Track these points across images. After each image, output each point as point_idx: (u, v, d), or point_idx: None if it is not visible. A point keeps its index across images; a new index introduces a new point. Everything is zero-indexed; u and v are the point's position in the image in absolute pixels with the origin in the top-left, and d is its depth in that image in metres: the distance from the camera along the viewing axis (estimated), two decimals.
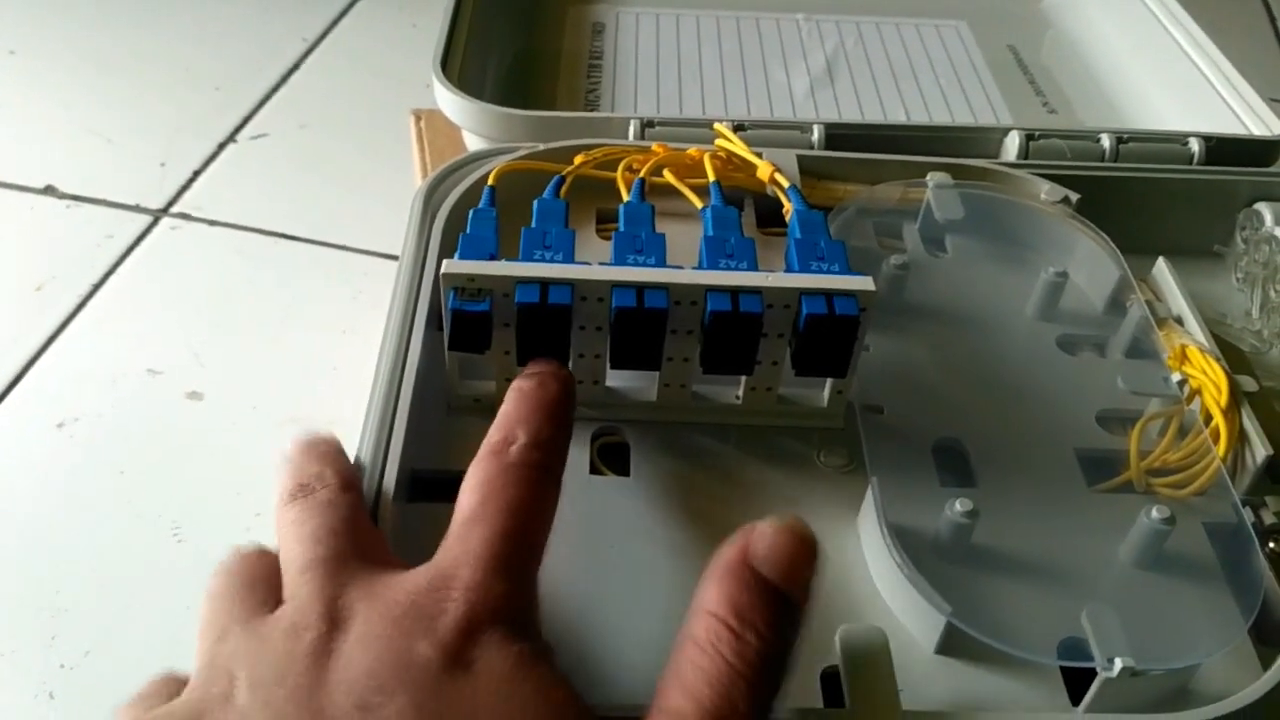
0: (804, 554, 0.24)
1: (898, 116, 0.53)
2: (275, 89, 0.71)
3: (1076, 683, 0.28)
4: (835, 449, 0.34)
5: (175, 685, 0.25)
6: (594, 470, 0.33)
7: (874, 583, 0.30)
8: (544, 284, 0.30)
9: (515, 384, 0.29)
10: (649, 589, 0.30)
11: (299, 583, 0.25)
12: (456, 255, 0.31)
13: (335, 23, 0.79)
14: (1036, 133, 0.44)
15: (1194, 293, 0.41)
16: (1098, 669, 0.27)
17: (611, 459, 0.33)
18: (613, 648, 0.29)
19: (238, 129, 0.67)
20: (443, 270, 0.30)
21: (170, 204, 0.61)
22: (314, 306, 0.56)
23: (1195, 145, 0.44)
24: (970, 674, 0.29)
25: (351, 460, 0.30)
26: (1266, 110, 0.47)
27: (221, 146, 0.66)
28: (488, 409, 0.33)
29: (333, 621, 0.24)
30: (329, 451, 0.29)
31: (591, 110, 0.53)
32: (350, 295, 0.56)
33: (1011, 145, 0.44)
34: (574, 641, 0.29)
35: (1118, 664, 0.27)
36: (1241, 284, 0.43)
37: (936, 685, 0.28)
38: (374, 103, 0.69)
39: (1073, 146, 0.44)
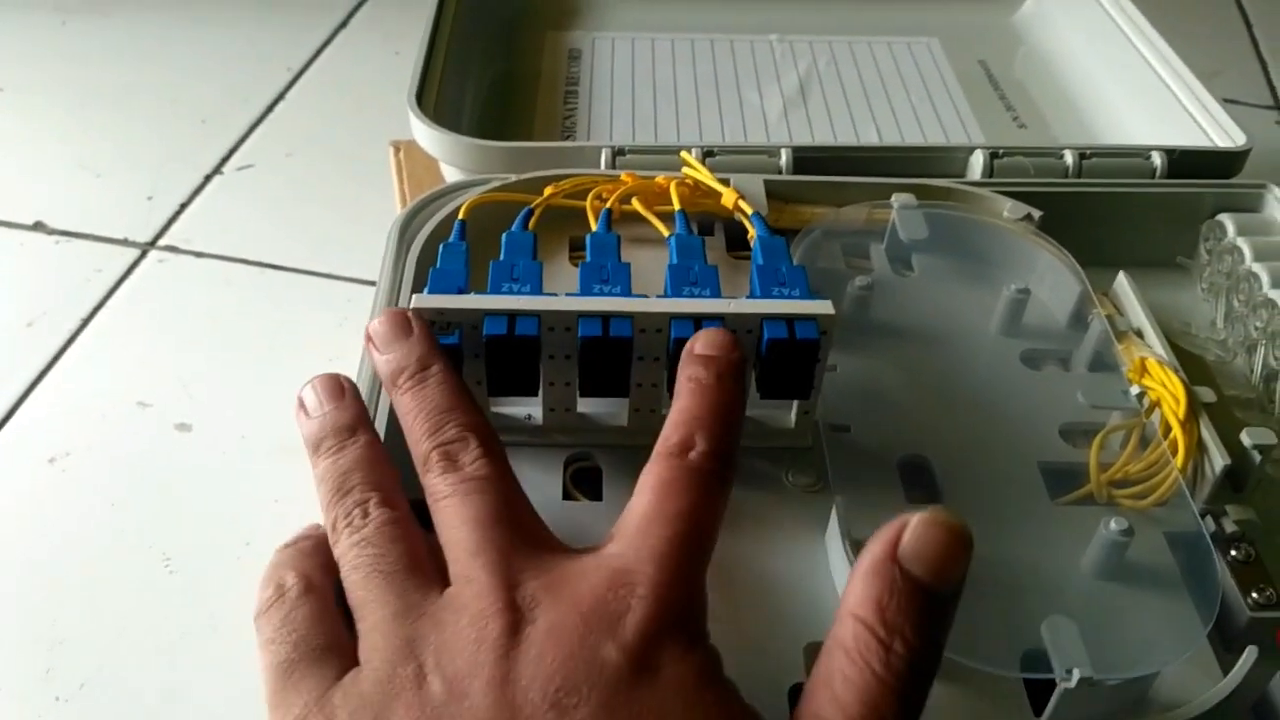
0: (956, 549, 0.23)
1: (869, 135, 0.54)
2: (261, 119, 0.72)
3: (1039, 694, 0.29)
4: (803, 468, 0.34)
5: (336, 645, 0.25)
6: (566, 496, 0.34)
7: (839, 598, 0.31)
8: (511, 315, 0.31)
9: (693, 374, 0.29)
10: None
11: (472, 566, 0.25)
12: (426, 289, 0.32)
13: (319, 52, 0.80)
14: (1000, 151, 0.44)
15: (1160, 303, 0.42)
16: (1056, 679, 0.28)
17: (584, 484, 0.34)
18: None
19: (224, 160, 0.68)
20: (412, 305, 0.31)
21: (158, 237, 0.62)
22: (301, 335, 0.56)
23: (1158, 159, 0.45)
24: (934, 687, 0.29)
25: None
26: (1230, 122, 0.48)
27: (208, 178, 0.66)
28: None
29: (517, 611, 0.24)
30: (474, 422, 0.29)
31: (569, 136, 0.54)
32: (336, 322, 0.57)
33: (976, 164, 0.45)
34: None
35: (1075, 674, 0.27)
36: (1206, 294, 0.44)
37: None
38: (358, 131, 0.70)
39: (1036, 164, 0.44)
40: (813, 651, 0.29)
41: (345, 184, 0.66)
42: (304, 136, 0.71)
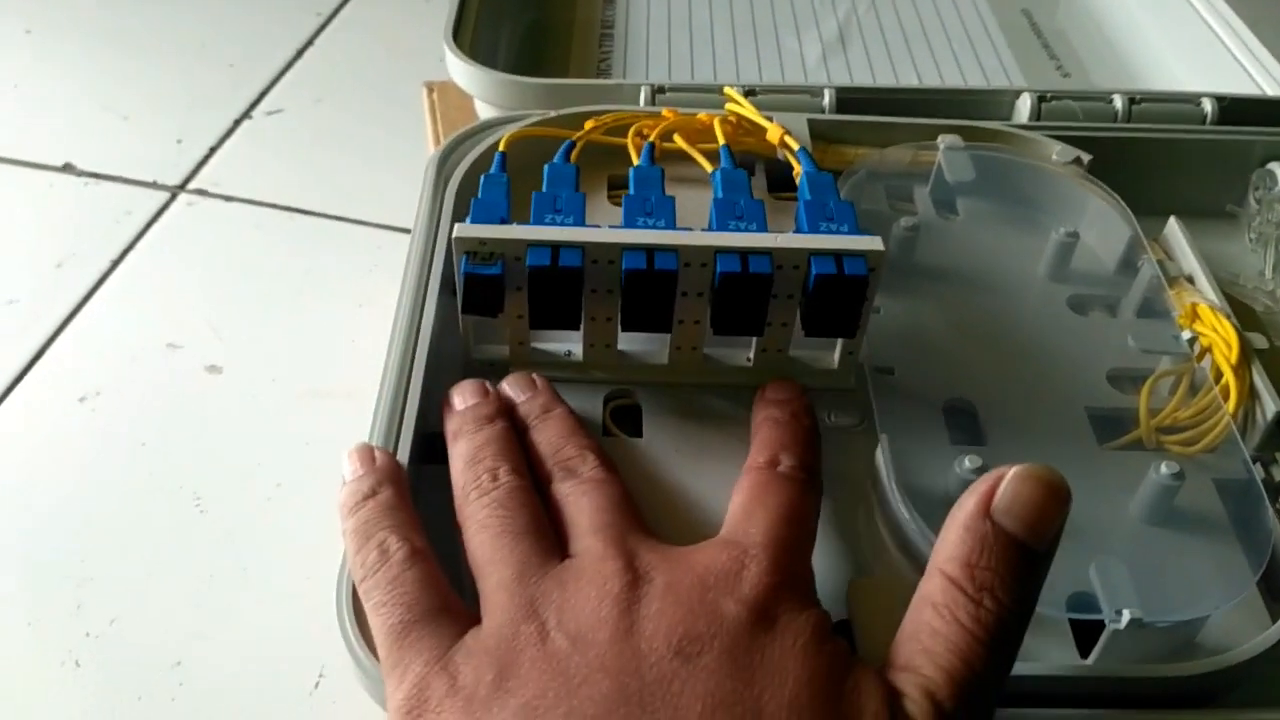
0: (1051, 504, 0.23)
1: (910, 81, 0.53)
2: (290, 65, 0.71)
3: (1085, 636, 0.29)
4: (846, 409, 0.34)
5: (450, 607, 0.26)
6: (606, 432, 0.33)
7: (885, 539, 0.31)
8: (555, 247, 0.30)
9: (768, 414, 0.32)
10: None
11: (591, 540, 0.26)
12: (469, 220, 0.31)
13: None
14: (1049, 94, 0.43)
15: (1207, 253, 0.41)
16: (1105, 621, 0.27)
17: (624, 421, 0.34)
18: None
19: (253, 105, 0.67)
20: (455, 234, 0.30)
21: (187, 180, 0.62)
22: (331, 280, 0.56)
23: (1208, 105, 0.44)
24: None
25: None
26: None
27: (237, 123, 0.66)
28: (503, 372, 0.33)
29: (636, 573, 0.25)
30: (590, 443, 0.30)
31: (604, 79, 0.53)
32: (367, 268, 0.57)
33: (1023, 107, 0.44)
34: None
35: (1125, 616, 0.27)
36: (1255, 244, 0.43)
37: None
38: (388, 76, 0.69)
39: (1085, 108, 0.43)
40: (857, 588, 0.29)
41: (374, 129, 0.65)
42: (333, 82, 0.70)
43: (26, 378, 0.50)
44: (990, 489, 0.23)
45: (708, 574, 0.25)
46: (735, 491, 0.29)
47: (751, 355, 0.34)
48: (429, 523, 0.29)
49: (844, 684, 0.23)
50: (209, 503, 0.45)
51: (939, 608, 0.23)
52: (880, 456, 0.31)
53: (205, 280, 0.56)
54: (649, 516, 0.31)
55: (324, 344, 0.52)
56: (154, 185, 0.61)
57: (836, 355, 0.34)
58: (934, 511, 0.30)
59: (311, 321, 0.54)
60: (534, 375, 0.32)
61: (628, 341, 0.34)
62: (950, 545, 0.23)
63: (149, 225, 0.58)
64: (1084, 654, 0.28)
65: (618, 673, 0.23)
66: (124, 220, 0.58)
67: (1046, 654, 0.28)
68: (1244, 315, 0.39)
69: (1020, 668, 0.28)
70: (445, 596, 0.26)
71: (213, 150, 0.64)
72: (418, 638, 0.25)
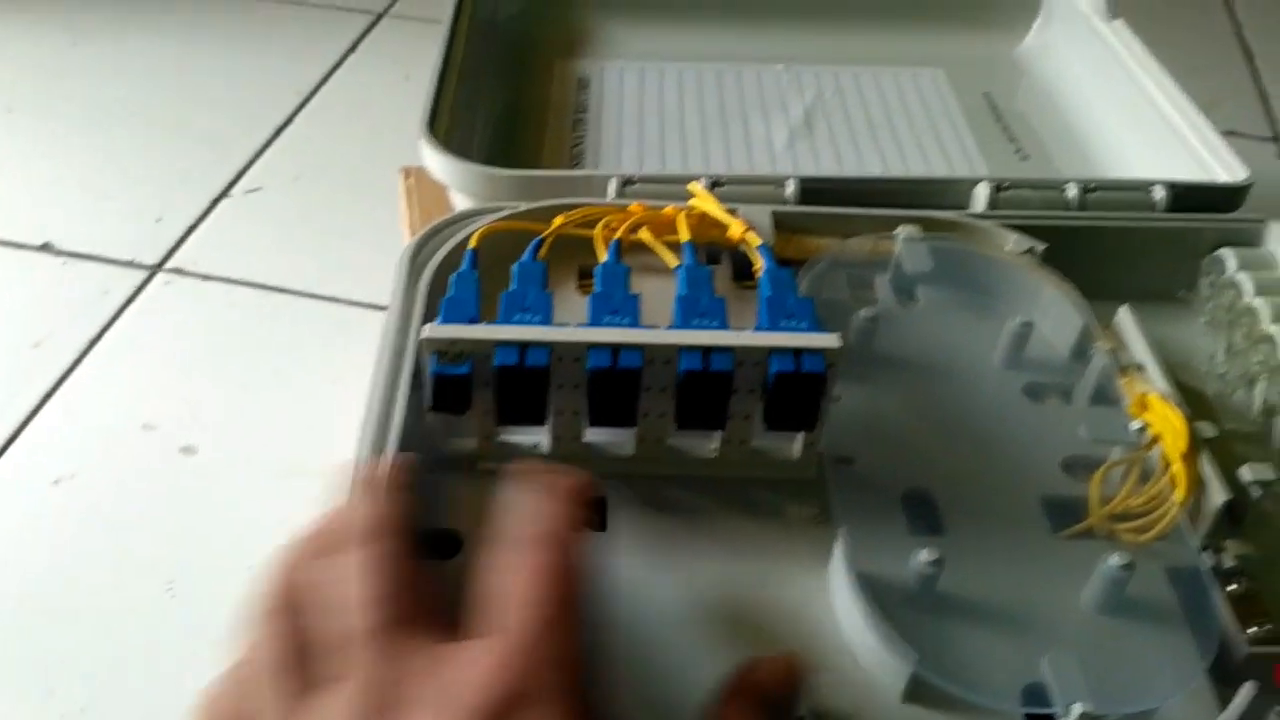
0: (796, 680, 0.29)
1: (874, 165, 0.55)
2: (269, 142, 0.73)
3: None
4: (807, 500, 0.35)
5: None
6: None
7: (842, 632, 0.31)
8: (523, 346, 0.31)
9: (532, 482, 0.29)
10: (624, 642, 0.31)
11: (363, 653, 0.25)
12: (439, 319, 0.32)
13: (329, 75, 0.80)
14: (1005, 183, 0.45)
15: (1161, 337, 0.43)
16: (1057, 715, 0.28)
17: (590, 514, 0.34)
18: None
19: (232, 183, 0.69)
20: (424, 335, 0.31)
21: (165, 259, 0.62)
22: (307, 358, 0.57)
23: (1160, 193, 0.46)
24: None
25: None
26: (1232, 157, 0.48)
27: (216, 201, 0.67)
28: (471, 467, 0.34)
29: (395, 703, 0.24)
30: (391, 493, 0.29)
31: (577, 165, 0.54)
32: (343, 346, 0.57)
33: (980, 196, 0.45)
34: None
35: (1076, 710, 0.28)
36: (1208, 328, 0.45)
37: None
38: (367, 155, 0.70)
39: (1040, 196, 0.45)
40: (812, 687, 0.29)
41: (353, 208, 0.66)
42: (312, 160, 0.71)
43: (1, 460, 0.50)
44: (752, 669, 0.29)
45: (461, 691, 0.24)
46: (492, 563, 0.27)
47: (716, 447, 0.35)
48: None
49: None
50: (181, 585, 0.45)
51: None
52: (838, 549, 0.32)
53: (181, 360, 0.56)
54: (615, 614, 0.31)
55: (300, 423, 0.53)
56: (132, 264, 0.62)
57: (798, 446, 0.35)
58: (892, 604, 0.31)
59: (287, 400, 0.54)
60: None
61: (595, 433, 0.34)
62: (722, 710, 0.28)
63: (126, 304, 0.59)
64: None
65: None
66: (102, 300, 0.59)
67: None
68: (1195, 402, 0.40)
69: None
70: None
71: (191, 229, 0.65)
72: None
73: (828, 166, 0.54)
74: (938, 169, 0.55)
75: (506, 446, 0.34)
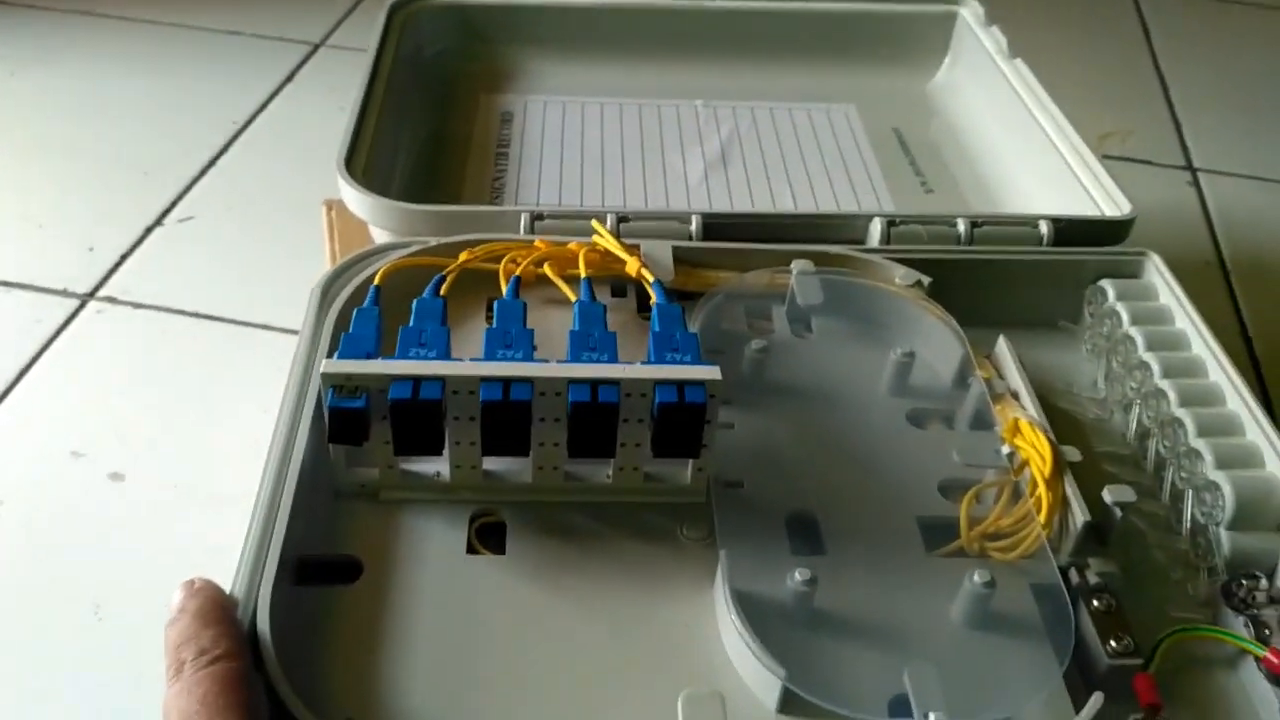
0: None
1: (785, 198, 0.57)
2: (203, 172, 0.74)
3: None
4: (697, 523, 0.37)
5: None
6: (471, 550, 0.35)
7: (725, 648, 0.33)
8: (416, 380, 0.33)
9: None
10: (521, 662, 0.32)
11: None
12: (337, 354, 0.34)
13: (265, 105, 0.82)
14: (898, 219, 0.47)
15: (1047, 363, 0.45)
16: None
17: (490, 538, 0.36)
18: (494, 711, 0.31)
19: (165, 212, 0.70)
20: (321, 370, 0.32)
21: (97, 287, 0.63)
22: (236, 386, 0.58)
23: (1045, 228, 0.48)
24: None
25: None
26: (1118, 192, 0.51)
27: (149, 230, 0.68)
28: (372, 495, 0.36)
29: None
30: (195, 622, 0.31)
31: (498, 198, 0.56)
32: (272, 374, 0.58)
33: (875, 231, 0.47)
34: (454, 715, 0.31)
35: (932, 718, 0.29)
36: (1090, 355, 0.47)
37: None
38: (300, 185, 0.72)
39: (931, 231, 0.47)
40: (691, 700, 0.31)
41: (284, 237, 0.67)
42: (246, 189, 0.73)
43: None
44: None
45: None
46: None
47: (610, 473, 0.37)
48: (297, 643, 0.31)
49: None
50: (108, 610, 0.46)
51: None
52: (719, 568, 0.34)
53: (112, 387, 0.57)
54: (514, 634, 0.33)
55: (228, 449, 0.54)
56: (64, 293, 0.63)
57: (688, 472, 0.37)
58: (768, 621, 0.33)
59: (215, 427, 0.55)
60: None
61: (495, 461, 0.36)
62: None
63: (58, 333, 0.60)
64: None
65: None
66: (33, 329, 0.60)
67: None
68: (1068, 427, 0.42)
69: None
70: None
71: (124, 257, 0.66)
72: None
73: (740, 200, 0.57)
74: (845, 203, 0.57)
75: (407, 475, 0.36)
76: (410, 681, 0.32)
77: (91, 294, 0.63)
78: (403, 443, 0.33)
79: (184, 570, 0.47)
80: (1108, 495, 0.37)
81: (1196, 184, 0.84)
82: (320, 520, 0.35)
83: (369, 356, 0.34)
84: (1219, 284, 0.74)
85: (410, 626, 0.33)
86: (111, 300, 0.63)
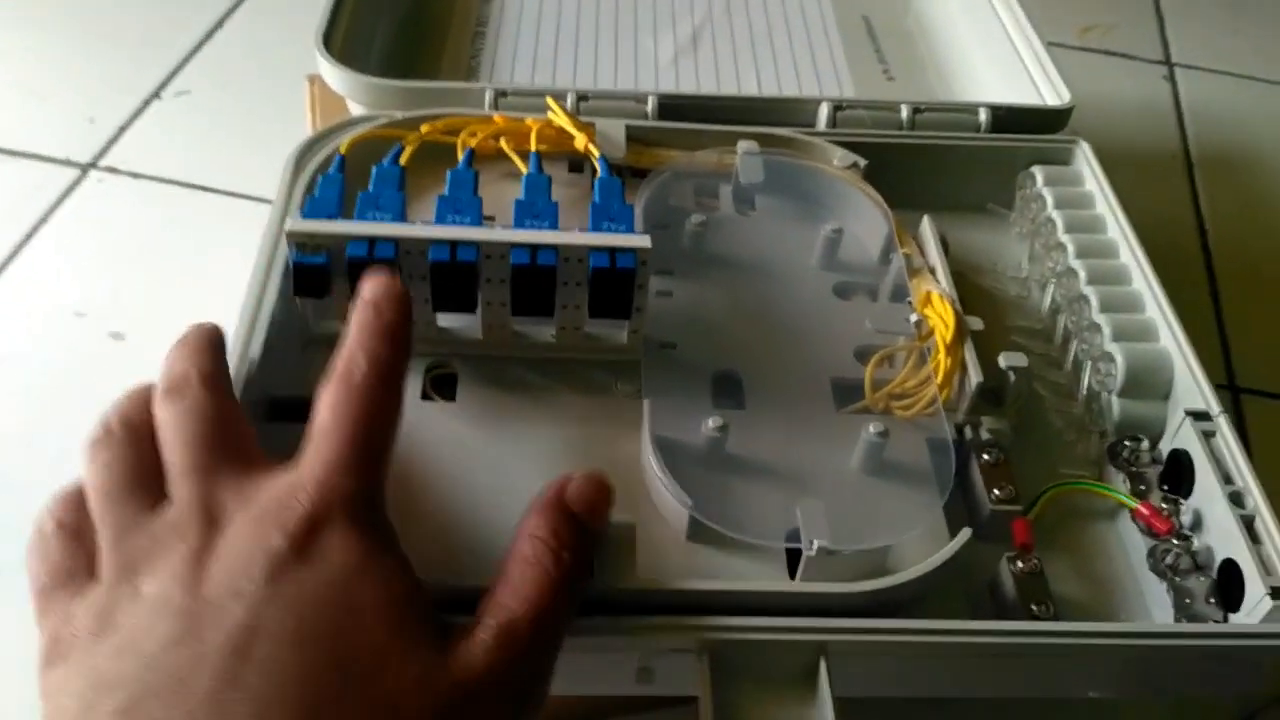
0: (604, 497, 0.32)
1: (750, 81, 0.60)
2: (199, 47, 0.76)
3: (797, 563, 0.35)
4: (631, 378, 0.40)
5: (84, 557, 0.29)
6: (425, 397, 0.39)
7: (647, 485, 0.37)
8: (371, 241, 0.36)
9: (353, 315, 0.32)
10: (470, 494, 0.37)
11: (180, 485, 0.29)
12: (301, 214, 0.37)
13: None
14: (844, 104, 0.50)
15: (978, 245, 0.49)
16: (803, 550, 0.34)
17: (443, 387, 0.40)
18: (441, 539, 0.35)
19: (162, 85, 0.72)
20: (286, 228, 0.36)
21: (98, 157, 0.67)
22: (229, 253, 0.61)
23: (983, 114, 0.51)
24: (712, 555, 0.36)
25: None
26: (1060, 82, 0.53)
27: (147, 103, 0.71)
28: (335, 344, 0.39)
29: (210, 522, 0.28)
30: (199, 348, 0.33)
31: (473, 76, 0.59)
32: None
33: (822, 115, 0.50)
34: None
35: (814, 545, 0.34)
36: (1020, 238, 0.50)
37: (684, 563, 0.36)
38: (294, 59, 0.73)
39: (875, 116, 0.50)
40: (614, 527, 0.35)
41: (277, 111, 0.70)
42: (240, 63, 0.75)
43: None
44: (564, 485, 0.32)
45: (266, 514, 0.28)
46: (318, 401, 0.30)
47: (554, 333, 0.40)
48: None
49: (389, 610, 0.27)
50: None
51: (529, 559, 0.30)
52: (644, 416, 0.38)
53: (112, 253, 0.61)
54: (461, 472, 0.37)
55: (221, 312, 0.57)
56: (66, 162, 0.66)
57: (625, 333, 0.40)
58: (684, 463, 0.37)
59: (210, 291, 0.58)
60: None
61: (447, 318, 0.40)
62: (537, 519, 0.31)
63: (61, 200, 0.64)
64: (793, 576, 0.35)
65: (186, 633, 0.26)
66: (35, 195, 0.63)
67: (764, 575, 0.35)
68: (986, 302, 0.46)
69: (742, 584, 0.35)
70: (78, 557, 0.29)
71: (123, 129, 0.69)
72: (50, 600, 0.29)
73: (707, 82, 0.59)
74: (808, 88, 0.59)
75: None
76: None
77: (93, 164, 0.66)
78: None
79: None
80: (1003, 360, 0.40)
81: (1172, 78, 0.86)
82: (290, 366, 0.39)
83: (330, 219, 0.37)
84: (1182, 176, 0.76)
85: None
86: (113, 170, 0.66)
